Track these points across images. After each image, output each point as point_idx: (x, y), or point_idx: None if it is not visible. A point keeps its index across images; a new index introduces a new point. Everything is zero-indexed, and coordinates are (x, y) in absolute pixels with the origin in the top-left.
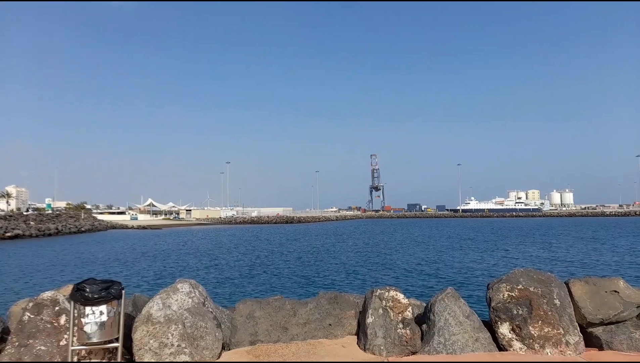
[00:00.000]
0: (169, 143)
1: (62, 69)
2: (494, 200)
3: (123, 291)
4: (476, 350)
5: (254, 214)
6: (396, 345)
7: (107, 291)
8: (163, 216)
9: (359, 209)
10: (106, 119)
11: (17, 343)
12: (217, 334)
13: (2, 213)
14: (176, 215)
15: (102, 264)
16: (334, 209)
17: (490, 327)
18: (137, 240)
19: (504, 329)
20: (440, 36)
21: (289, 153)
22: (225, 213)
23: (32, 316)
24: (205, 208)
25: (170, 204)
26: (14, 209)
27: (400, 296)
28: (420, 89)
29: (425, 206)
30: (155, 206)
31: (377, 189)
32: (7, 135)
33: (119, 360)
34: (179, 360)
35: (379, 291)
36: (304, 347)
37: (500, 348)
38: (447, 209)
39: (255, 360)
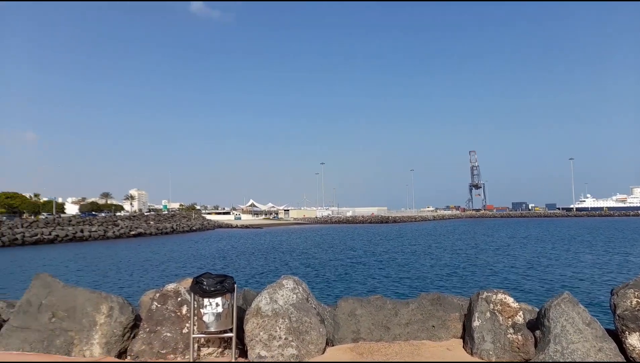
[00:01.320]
0: (269, 146)
1: (186, 90)
2: (614, 197)
3: (235, 285)
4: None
5: (349, 214)
6: (506, 350)
7: (222, 285)
8: (263, 216)
9: (457, 208)
10: (213, 129)
11: (147, 329)
12: (321, 330)
13: (127, 214)
14: (275, 215)
15: (211, 259)
16: (431, 208)
17: (615, 336)
18: (241, 238)
19: (634, 340)
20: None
21: (382, 152)
22: (321, 212)
23: (159, 305)
24: (302, 208)
25: (270, 204)
26: (136, 210)
27: (510, 299)
28: (523, 79)
29: (533, 205)
30: (256, 207)
31: (477, 187)
32: (131, 145)
33: (233, 349)
34: (286, 353)
35: (485, 293)
36: (407, 347)
37: (629, 360)
38: (559, 208)
39: (359, 357)
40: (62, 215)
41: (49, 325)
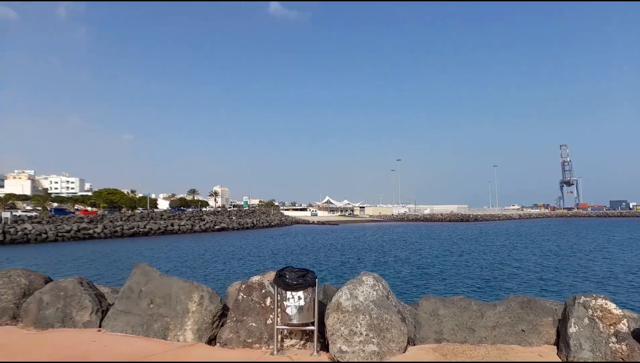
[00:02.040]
0: (345, 143)
1: (267, 90)
2: None
3: (316, 279)
4: None
5: (427, 211)
6: (607, 360)
7: (304, 279)
8: (339, 213)
9: (546, 207)
10: (291, 127)
11: (235, 319)
12: (402, 328)
13: (211, 209)
14: (351, 212)
15: (290, 254)
16: (516, 206)
17: None
18: (317, 234)
19: None
20: None
21: (462, 147)
22: (397, 210)
23: (244, 296)
24: (378, 205)
25: (345, 201)
26: (220, 206)
27: (612, 305)
28: (616, 64)
29: (634, 204)
30: (332, 204)
31: (569, 184)
32: (215, 144)
33: (315, 342)
34: (367, 349)
35: (583, 298)
36: (494, 351)
37: None
38: None
39: (443, 358)
40: (155, 210)
41: (148, 310)
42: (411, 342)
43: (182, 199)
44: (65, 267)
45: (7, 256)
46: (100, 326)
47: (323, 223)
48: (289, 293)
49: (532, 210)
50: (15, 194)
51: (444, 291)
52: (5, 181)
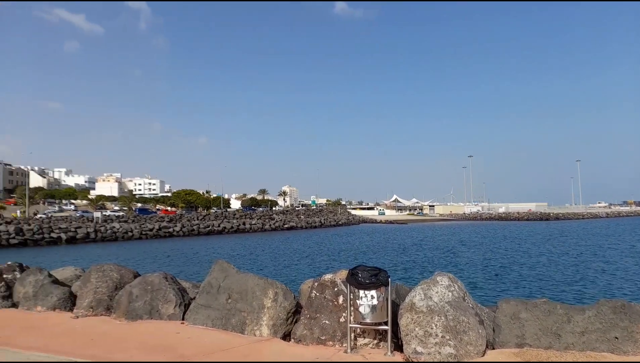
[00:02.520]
0: (412, 139)
1: (335, 92)
2: None
3: (389, 278)
4: None
5: (501, 210)
6: None
7: (377, 278)
8: (407, 212)
9: (638, 204)
10: (357, 127)
11: (308, 316)
12: (480, 331)
13: (281, 209)
14: (419, 211)
15: (358, 253)
16: (602, 204)
17: None
18: (385, 233)
19: None
20: None
21: (540, 141)
22: (469, 208)
23: (317, 294)
24: (448, 204)
25: (414, 200)
26: (289, 205)
27: None
28: None
29: None
30: (399, 202)
31: None
32: (283, 145)
33: (389, 341)
34: (444, 351)
35: None
36: (583, 359)
37: None
38: None
39: None
40: (228, 209)
41: (226, 305)
42: (490, 345)
43: (253, 199)
44: (149, 263)
45: (99, 253)
46: (183, 319)
47: (391, 222)
48: (361, 292)
49: (622, 208)
50: (105, 196)
51: (522, 294)
52: (96, 183)
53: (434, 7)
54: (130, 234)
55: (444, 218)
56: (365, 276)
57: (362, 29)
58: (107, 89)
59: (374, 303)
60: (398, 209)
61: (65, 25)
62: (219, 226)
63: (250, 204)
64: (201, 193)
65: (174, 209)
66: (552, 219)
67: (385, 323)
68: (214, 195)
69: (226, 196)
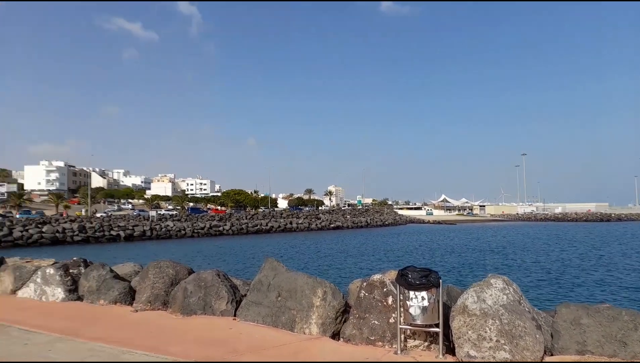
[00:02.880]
0: (462, 137)
1: (389, 99)
2: None
3: (440, 280)
4: None
5: (558, 210)
6: None
7: (427, 279)
8: (456, 212)
9: None
10: (403, 125)
11: (357, 315)
12: (537, 336)
13: (327, 208)
14: (469, 211)
15: (406, 254)
16: None
17: None
18: (433, 234)
19: None
20: None
21: (599, 138)
22: (523, 209)
23: (366, 294)
24: (500, 204)
25: (463, 200)
26: (334, 205)
27: None
28: None
29: None
30: (448, 202)
31: None
32: (330, 147)
33: (440, 344)
34: (498, 356)
35: None
36: None
37: None
38: None
39: None
40: (276, 209)
41: (276, 302)
42: (548, 351)
43: (299, 198)
44: (201, 260)
45: (154, 250)
46: (235, 315)
47: (439, 222)
48: (411, 293)
49: None
50: (159, 195)
51: (579, 299)
52: (152, 184)
53: (495, 6)
54: (183, 232)
55: (496, 218)
56: (416, 277)
57: (412, 28)
58: (161, 93)
59: (424, 305)
60: (447, 210)
61: (124, 33)
62: (266, 225)
63: (297, 204)
64: (249, 192)
65: (223, 208)
66: (614, 220)
67: (437, 325)
68: (262, 195)
69: (273, 196)
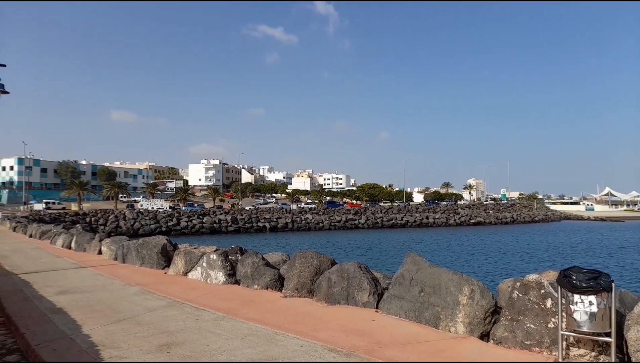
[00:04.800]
0: (628, 121)
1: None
2: None
3: (613, 284)
4: None
5: None
6: None
7: (596, 282)
8: (625, 207)
9: None
10: (553, 107)
11: (509, 317)
12: None
13: (466, 203)
14: None
15: (559, 253)
16: None
17: None
18: (592, 232)
19: None
20: None
21: None
22: None
23: (520, 295)
24: None
25: (634, 193)
26: (475, 199)
27: None
28: None
29: None
30: (614, 196)
31: None
32: (471, 137)
33: (612, 356)
34: None
35: None
36: None
37: None
38: None
39: None
40: (411, 203)
41: (419, 298)
42: None
43: (436, 192)
44: (339, 252)
45: (295, 240)
46: (377, 307)
47: (602, 219)
48: (576, 297)
49: None
50: (299, 190)
51: None
52: (292, 179)
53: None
54: (321, 225)
55: None
56: (582, 279)
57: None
58: (299, 93)
59: (592, 310)
60: (612, 204)
61: (267, 38)
62: (401, 219)
63: (434, 198)
64: (384, 186)
65: (358, 202)
66: None
67: (608, 335)
68: (397, 189)
69: (408, 190)
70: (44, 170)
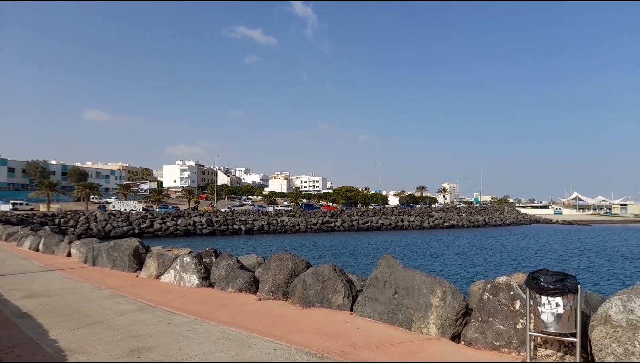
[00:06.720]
0: (593, 128)
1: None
2: None
3: (579, 286)
4: None
5: None
6: None
7: (562, 284)
8: (591, 211)
9: None
10: (524, 112)
11: (480, 319)
12: None
13: (440, 206)
14: (607, 210)
15: (528, 256)
16: None
17: None
18: (561, 235)
19: None
20: None
21: None
22: None
23: (490, 297)
24: None
25: (600, 198)
26: (448, 203)
27: None
28: None
29: None
30: (581, 200)
31: None
32: (441, 142)
33: (577, 356)
34: None
35: None
36: None
37: None
38: None
39: None
40: (386, 206)
41: (392, 300)
42: None
43: (411, 195)
44: (315, 255)
45: (271, 243)
46: (351, 309)
47: (570, 222)
48: (544, 298)
49: None
50: (276, 192)
51: None
52: (269, 181)
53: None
54: (297, 227)
55: None
56: (549, 280)
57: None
58: (278, 94)
59: (559, 312)
60: (579, 208)
61: (246, 40)
62: (377, 222)
63: (409, 201)
64: (360, 189)
65: (335, 205)
66: None
67: (573, 335)
68: (372, 192)
69: (384, 193)
70: (11, 170)
